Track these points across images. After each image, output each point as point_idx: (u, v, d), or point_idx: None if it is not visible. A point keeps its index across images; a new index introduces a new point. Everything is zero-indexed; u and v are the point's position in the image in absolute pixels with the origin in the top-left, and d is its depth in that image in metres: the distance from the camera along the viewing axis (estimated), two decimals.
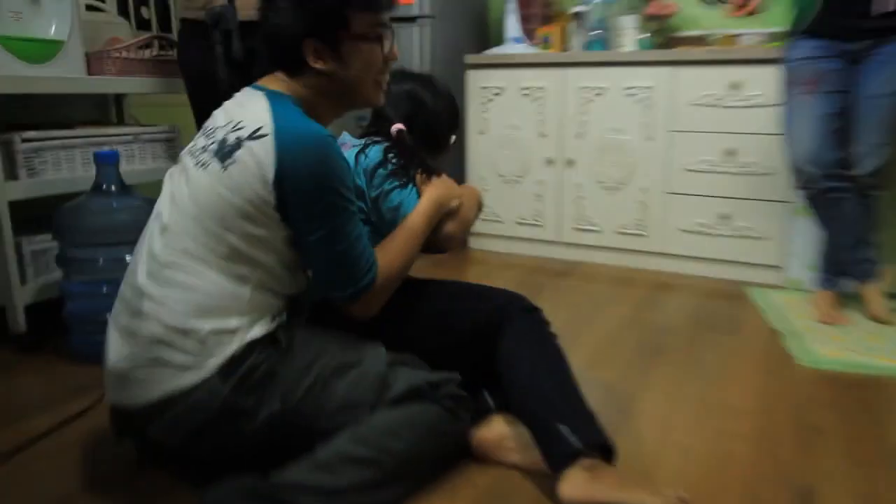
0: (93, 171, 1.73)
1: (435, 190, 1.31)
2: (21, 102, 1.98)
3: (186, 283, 1.05)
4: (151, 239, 1.11)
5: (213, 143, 1.10)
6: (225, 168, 1.05)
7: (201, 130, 1.19)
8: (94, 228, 1.65)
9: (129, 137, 2.05)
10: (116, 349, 1.09)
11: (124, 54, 2.04)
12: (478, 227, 2.94)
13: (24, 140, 1.77)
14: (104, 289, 1.65)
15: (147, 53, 2.12)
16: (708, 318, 2.11)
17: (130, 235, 1.65)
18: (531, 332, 1.27)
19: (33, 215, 1.86)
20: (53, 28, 1.85)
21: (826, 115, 1.96)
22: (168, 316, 1.04)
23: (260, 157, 1.03)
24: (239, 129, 1.08)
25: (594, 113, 2.65)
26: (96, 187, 1.69)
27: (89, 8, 2.18)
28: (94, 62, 1.98)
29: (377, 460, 1.05)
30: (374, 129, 1.40)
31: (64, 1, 1.86)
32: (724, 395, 1.56)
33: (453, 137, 1.48)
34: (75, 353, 1.72)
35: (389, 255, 1.20)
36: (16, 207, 1.74)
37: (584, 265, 2.73)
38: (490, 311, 1.28)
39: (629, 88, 2.57)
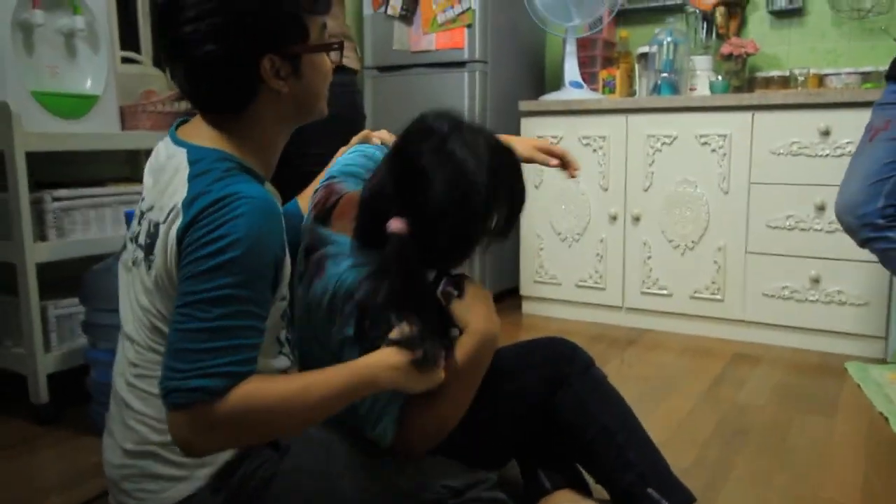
0: (123, 230, 1.82)
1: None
2: (50, 159, 2.07)
3: (157, 393, 1.00)
4: (123, 347, 1.08)
5: (141, 232, 1.03)
6: (150, 266, 0.99)
7: (137, 216, 1.09)
8: None
9: None
10: (109, 457, 1.09)
11: (159, 108, 2.16)
12: (530, 289, 2.96)
13: (55, 199, 1.87)
14: None
15: (181, 106, 2.25)
16: (798, 396, 2.06)
17: None
18: (594, 391, 1.27)
19: (60, 277, 1.95)
20: (89, 82, 1.99)
21: (882, 164, 1.97)
22: (151, 430, 1.02)
23: (172, 239, 0.95)
24: (160, 210, 0.99)
25: (663, 163, 2.66)
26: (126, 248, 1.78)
27: (125, 60, 2.34)
28: (127, 116, 2.11)
29: None
30: (365, 225, 1.13)
31: (101, 54, 2.00)
32: (821, 489, 1.51)
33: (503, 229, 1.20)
34: (97, 424, 1.76)
35: (281, 389, 0.97)
36: (43, 269, 1.83)
37: (651, 333, 2.70)
38: (542, 379, 1.26)
39: (702, 136, 2.58)
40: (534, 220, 2.94)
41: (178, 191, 0.97)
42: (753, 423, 1.85)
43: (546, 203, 2.90)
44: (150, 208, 1.02)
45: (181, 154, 1.02)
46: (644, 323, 2.77)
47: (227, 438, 0.96)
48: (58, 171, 2.14)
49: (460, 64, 2.92)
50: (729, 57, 2.79)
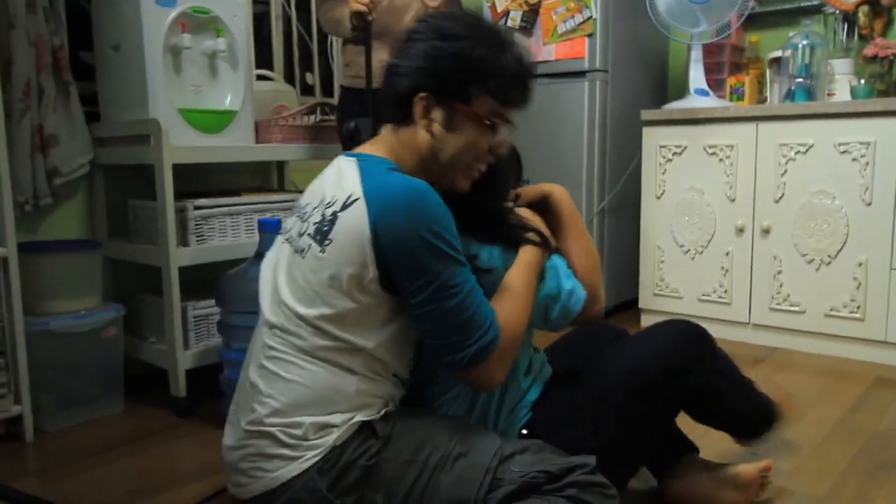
0: (256, 237, 1.93)
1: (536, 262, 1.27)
2: (190, 170, 2.21)
3: (291, 378, 1.10)
4: (260, 335, 1.18)
5: (307, 226, 1.14)
6: (324, 250, 1.09)
7: (295, 212, 1.24)
8: (255, 296, 1.81)
9: (291, 203, 2.26)
10: (227, 443, 1.18)
11: (290, 122, 2.28)
12: (650, 302, 2.89)
13: (196, 207, 2.00)
14: None
15: (310, 120, 2.37)
16: None
17: None
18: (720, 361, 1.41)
19: (198, 280, 2.09)
20: (228, 99, 2.12)
21: None
22: (272, 410, 1.10)
23: (356, 225, 1.06)
24: (332, 204, 1.11)
25: (796, 173, 2.55)
26: (258, 254, 1.85)
27: (259, 77, 2.48)
28: (261, 130, 2.23)
29: None
30: None
31: (239, 72, 2.14)
32: None
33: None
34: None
35: (507, 307, 1.17)
36: (183, 272, 1.96)
37: (781, 352, 2.58)
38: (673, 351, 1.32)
39: (842, 144, 2.45)
40: (655, 231, 2.88)
41: (351, 183, 1.11)
42: None
43: (668, 214, 2.84)
44: (320, 204, 1.14)
45: (351, 159, 1.17)
46: (773, 341, 2.65)
47: (511, 357, 1.18)
48: (196, 181, 2.29)
49: (581, 73, 2.91)
50: (873, 59, 2.64)
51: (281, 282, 1.16)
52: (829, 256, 2.50)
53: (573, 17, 2.91)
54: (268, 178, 2.64)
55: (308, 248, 1.12)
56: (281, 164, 2.63)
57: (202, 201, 2.03)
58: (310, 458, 1.08)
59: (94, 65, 2.17)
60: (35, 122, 2.01)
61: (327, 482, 1.07)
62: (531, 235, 1.25)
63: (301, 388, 1.10)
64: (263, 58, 2.76)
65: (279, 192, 2.47)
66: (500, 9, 3.10)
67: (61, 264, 1.96)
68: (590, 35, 2.87)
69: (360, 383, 1.11)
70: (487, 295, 1.15)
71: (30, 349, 1.83)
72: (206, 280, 2.06)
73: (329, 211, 1.11)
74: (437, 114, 1.15)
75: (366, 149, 1.23)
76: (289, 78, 2.84)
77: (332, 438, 1.08)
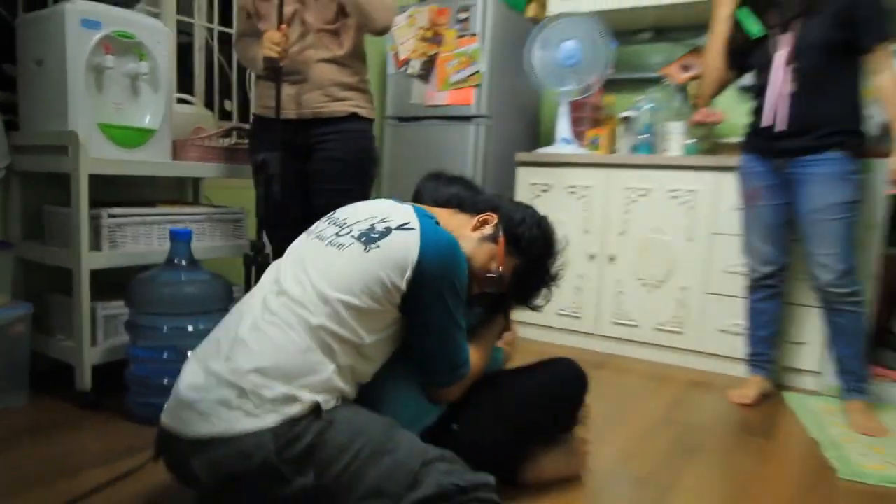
0: (167, 245, 1.85)
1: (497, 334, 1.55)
2: (109, 181, 2.11)
3: (282, 343, 1.11)
4: (268, 294, 1.19)
5: (351, 230, 1.23)
6: (367, 250, 1.17)
7: (326, 219, 1.34)
8: (163, 299, 1.74)
9: (203, 217, 2.18)
10: (191, 381, 1.14)
11: (206, 143, 2.20)
12: (518, 315, 2.96)
13: (111, 216, 1.90)
14: (165, 355, 1.73)
15: (226, 142, 2.30)
16: (743, 420, 2.05)
17: (194, 307, 1.76)
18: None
19: (109, 282, 1.97)
20: (148, 118, 2.02)
21: (767, 226, 2.13)
22: (255, 368, 1.09)
23: (406, 245, 1.17)
24: (388, 221, 1.22)
25: (637, 212, 2.68)
26: (169, 261, 1.79)
27: (180, 101, 2.39)
28: (179, 148, 2.14)
29: None
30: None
31: (159, 94, 2.05)
32: (757, 502, 1.51)
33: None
34: (132, 413, 1.78)
35: (477, 353, 1.37)
36: (95, 275, 1.85)
37: (619, 358, 2.70)
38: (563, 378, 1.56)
39: (673, 191, 2.61)
40: None
41: (409, 216, 1.23)
42: (703, 443, 1.85)
43: None
44: (367, 219, 1.25)
45: (406, 204, 1.31)
46: (613, 349, 2.77)
47: (466, 388, 1.35)
48: (117, 192, 2.18)
49: (467, 118, 2.96)
50: (699, 124, 2.81)
51: (310, 265, 1.20)
52: (659, 281, 2.64)
53: (464, 69, 2.97)
54: (184, 192, 2.54)
55: (349, 246, 1.19)
56: (196, 181, 2.54)
57: (116, 210, 1.92)
58: (269, 421, 1.06)
59: (17, 77, 2.02)
60: None
61: (276, 446, 1.05)
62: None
63: (286, 355, 1.10)
64: (186, 84, 2.66)
65: (193, 205, 2.37)
66: (402, 57, 3.12)
67: None
68: (477, 86, 2.93)
69: (332, 374, 1.13)
70: None
71: None
72: (117, 282, 1.94)
73: (382, 225, 1.21)
74: (492, 239, 1.35)
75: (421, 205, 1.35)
76: (208, 103, 2.74)
77: (294, 410, 1.08)
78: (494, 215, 1.36)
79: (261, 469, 1.05)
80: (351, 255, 1.18)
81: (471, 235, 1.34)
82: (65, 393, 1.90)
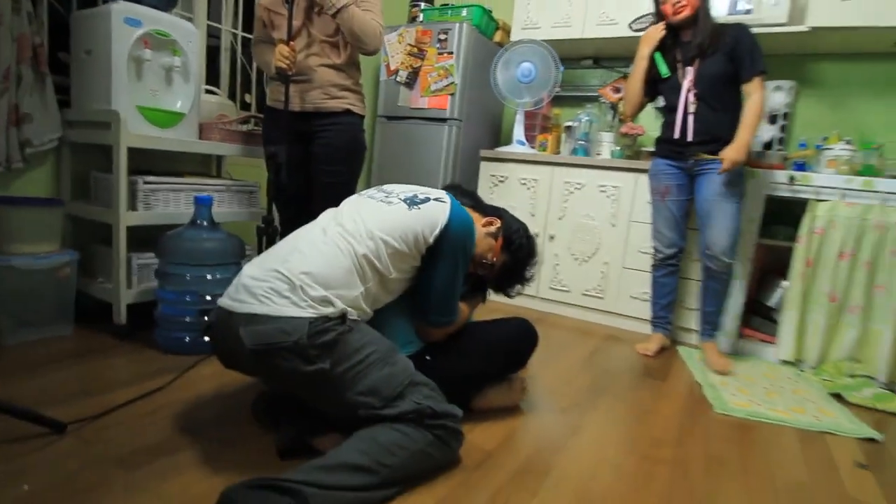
0: (192, 208, 1.80)
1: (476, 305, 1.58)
2: (146, 155, 2.06)
3: (330, 259, 1.15)
4: (327, 225, 1.24)
5: (396, 196, 1.30)
6: (410, 209, 1.25)
7: (375, 189, 1.38)
8: (187, 252, 1.70)
9: (223, 187, 2.12)
10: (252, 272, 1.16)
11: (228, 127, 2.14)
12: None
13: (146, 182, 1.84)
14: (188, 297, 1.70)
15: (244, 127, 2.23)
16: (645, 366, 2.09)
17: (213, 259, 1.72)
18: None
19: (143, 237, 1.93)
20: (179, 104, 1.96)
21: (673, 216, 2.19)
22: (306, 270, 1.12)
23: (439, 212, 1.25)
24: (428, 193, 1.31)
25: (573, 202, 2.69)
26: (192, 221, 1.75)
27: (207, 91, 2.31)
28: (204, 130, 2.08)
29: (372, 469, 1.03)
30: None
31: (189, 84, 1.97)
32: (651, 427, 1.54)
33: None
34: (159, 344, 1.75)
35: (462, 313, 1.42)
36: (132, 231, 1.81)
37: (554, 316, 2.73)
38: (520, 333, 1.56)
39: (602, 186, 2.62)
40: None
41: (443, 195, 1.32)
42: (613, 382, 1.88)
43: None
44: (411, 191, 1.33)
45: (445, 193, 1.35)
46: (550, 308, 2.79)
47: (450, 333, 1.40)
48: (152, 163, 2.12)
49: (443, 120, 2.93)
50: (625, 135, 2.83)
51: (364, 210, 1.25)
52: (588, 257, 2.67)
53: (442, 80, 2.92)
54: (209, 167, 2.47)
55: (396, 204, 1.27)
56: (219, 158, 2.46)
57: (150, 178, 1.86)
58: (308, 312, 1.09)
59: (70, 63, 1.93)
60: (12, 102, 1.76)
61: (309, 332, 1.06)
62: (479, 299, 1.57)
63: (332, 268, 1.14)
64: (214, 78, 2.56)
65: (215, 177, 2.31)
66: (392, 67, 3.06)
67: (25, 215, 1.73)
68: (452, 94, 2.90)
69: (359, 294, 1.17)
70: None
71: None
72: (149, 237, 1.89)
73: (423, 195, 1.30)
74: (493, 237, 1.42)
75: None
76: (231, 95, 2.65)
77: (328, 310, 1.10)
78: (499, 220, 1.44)
79: (293, 346, 1.06)
80: (398, 210, 1.25)
81: (480, 228, 1.40)
82: (104, 326, 1.86)
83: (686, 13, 1.99)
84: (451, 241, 1.25)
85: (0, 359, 1.58)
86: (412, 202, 1.27)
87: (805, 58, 2.62)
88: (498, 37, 3.18)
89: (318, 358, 1.07)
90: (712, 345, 2.16)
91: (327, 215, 1.31)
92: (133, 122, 1.80)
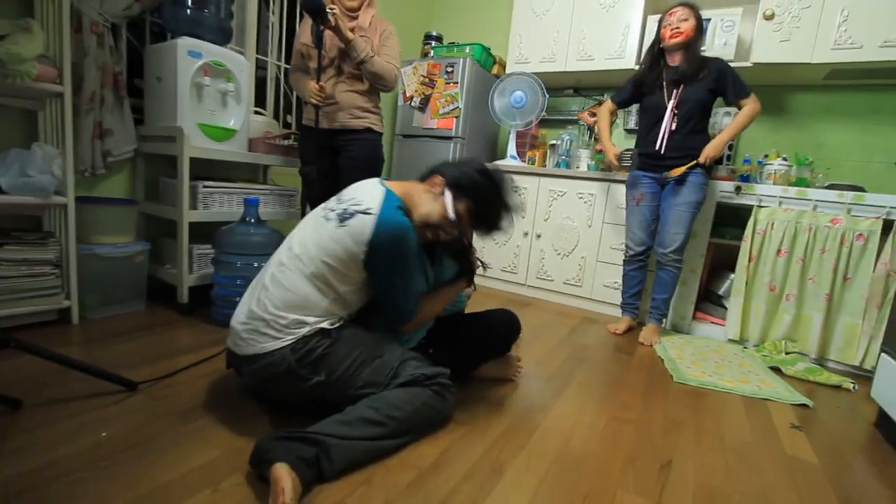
0: (242, 208, 1.79)
1: (459, 290, 1.32)
2: (205, 164, 2.05)
3: (289, 287, 1.05)
4: (280, 256, 1.12)
5: (338, 209, 1.10)
6: (339, 226, 1.06)
7: (335, 198, 1.17)
8: (238, 243, 1.69)
9: (267, 191, 2.10)
10: (238, 318, 1.10)
11: (272, 142, 2.12)
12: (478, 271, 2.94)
13: (205, 186, 1.82)
14: (238, 281, 1.68)
15: (285, 142, 2.21)
16: (615, 343, 2.06)
17: (259, 250, 1.70)
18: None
19: (202, 231, 1.91)
20: (232, 122, 1.94)
21: (645, 220, 2.13)
22: (271, 305, 1.05)
23: (364, 228, 1.04)
24: (358, 205, 1.08)
25: (556, 207, 2.66)
26: (242, 219, 1.73)
27: (255, 112, 2.29)
28: (253, 144, 2.06)
29: (383, 422, 1.01)
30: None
31: (241, 106, 1.95)
32: (620, 393, 1.52)
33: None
34: (214, 319, 1.75)
35: (431, 302, 1.22)
36: (192, 226, 1.79)
37: (539, 301, 2.70)
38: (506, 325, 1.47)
39: (580, 193, 2.58)
40: None
41: (375, 203, 1.06)
42: (588, 356, 1.86)
43: None
44: (350, 200, 1.10)
45: (382, 188, 1.11)
46: (536, 295, 2.76)
47: (414, 328, 1.20)
48: (209, 171, 2.10)
49: (449, 137, 2.90)
50: (599, 152, 2.80)
51: (308, 231, 1.11)
52: (568, 252, 2.63)
53: (449, 105, 2.89)
54: (256, 174, 2.45)
55: (331, 221, 1.09)
56: (265, 167, 2.44)
57: (208, 182, 1.84)
58: (288, 340, 1.02)
59: (143, 88, 1.91)
60: (96, 119, 1.75)
61: (296, 357, 1.02)
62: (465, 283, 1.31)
63: (293, 295, 1.05)
64: (261, 102, 2.54)
65: (261, 183, 2.29)
66: (408, 94, 3.03)
67: (107, 212, 1.72)
68: (457, 117, 2.86)
69: (329, 304, 1.07)
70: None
71: (81, 265, 1.61)
72: (206, 232, 1.88)
73: (353, 208, 1.08)
74: (452, 194, 1.13)
75: (394, 186, 1.15)
76: (275, 116, 2.63)
77: (303, 331, 1.03)
78: (438, 177, 1.17)
79: (286, 373, 1.03)
80: (330, 228, 1.08)
81: (426, 197, 1.15)
82: (170, 304, 1.85)
83: (679, 39, 1.93)
84: (383, 250, 1.05)
85: (86, 330, 1.58)
86: (343, 217, 1.08)
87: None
88: (495, 69, 3.14)
89: (312, 373, 1.03)
90: (653, 325, 2.13)
91: (284, 243, 1.16)
92: (194, 136, 1.79)
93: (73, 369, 1.15)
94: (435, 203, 1.14)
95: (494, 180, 1.17)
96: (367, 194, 1.10)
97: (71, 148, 1.54)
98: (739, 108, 1.96)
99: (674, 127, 1.98)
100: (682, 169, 1.97)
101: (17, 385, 1.16)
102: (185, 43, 1.73)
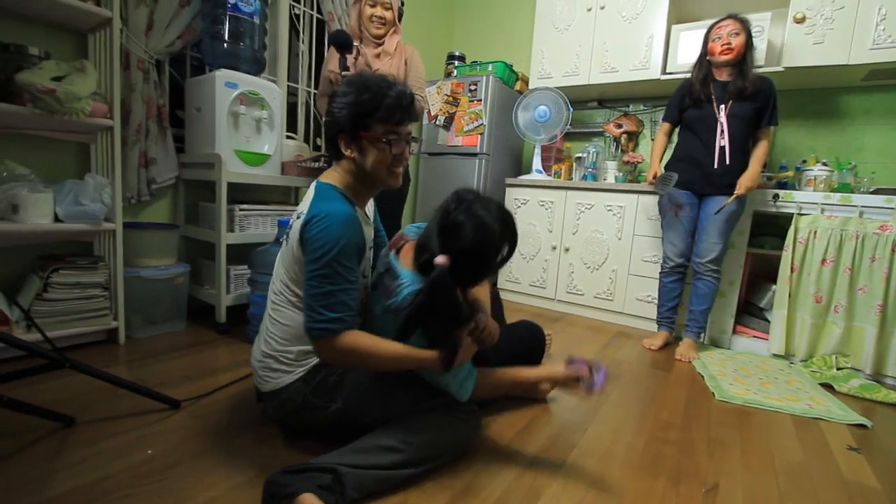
0: (275, 230, 1.84)
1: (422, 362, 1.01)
2: (241, 188, 2.13)
3: (283, 321, 1.03)
4: (272, 288, 1.08)
5: (289, 226, 1.04)
6: (286, 243, 1.02)
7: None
8: (272, 263, 1.70)
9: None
10: (254, 354, 1.11)
11: (303, 164, 2.18)
12: (504, 285, 2.93)
13: (241, 209, 1.89)
14: None
15: (316, 164, 2.27)
16: (651, 359, 1.99)
17: None
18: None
19: (238, 253, 1.98)
20: (266, 147, 2.01)
21: (685, 230, 2.06)
22: (275, 342, 1.04)
23: (296, 230, 0.98)
24: (297, 212, 1.02)
25: (585, 219, 2.62)
26: (276, 240, 1.77)
27: (288, 137, 2.37)
28: (285, 167, 2.12)
29: (399, 448, 0.96)
30: (422, 256, 1.00)
31: (274, 132, 2.03)
32: (659, 412, 1.47)
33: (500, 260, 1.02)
34: (250, 338, 1.78)
35: (374, 345, 0.96)
36: (230, 248, 1.86)
37: (570, 315, 2.65)
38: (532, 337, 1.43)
39: (608, 206, 2.54)
40: None
41: (306, 203, 1.00)
42: (624, 373, 1.80)
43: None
44: (297, 210, 1.04)
45: (314, 185, 1.05)
46: (567, 309, 2.71)
47: (337, 360, 0.98)
48: (245, 194, 2.17)
49: (474, 154, 2.91)
50: (627, 163, 2.76)
51: (277, 263, 1.08)
52: (598, 265, 2.59)
53: (473, 122, 2.92)
54: (289, 196, 2.53)
55: (283, 241, 1.05)
56: (297, 189, 2.52)
57: (244, 206, 1.91)
58: (298, 372, 1.02)
59: (185, 118, 2.02)
60: (142, 150, 1.85)
61: (310, 388, 1.01)
62: (444, 353, 0.98)
63: (290, 327, 1.02)
64: (293, 126, 2.64)
65: (293, 205, 2.35)
66: (433, 113, 3.08)
67: (150, 237, 1.80)
68: (481, 134, 2.88)
69: None
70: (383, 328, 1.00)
71: (127, 287, 1.68)
72: (243, 253, 1.94)
73: (293, 221, 1.02)
74: (352, 144, 1.01)
75: (325, 176, 1.06)
76: (306, 140, 2.72)
77: (313, 361, 1.02)
78: (341, 134, 1.02)
79: (303, 405, 1.03)
80: (283, 249, 1.04)
81: (351, 167, 1.03)
82: (208, 323, 1.91)
83: (730, 56, 1.89)
84: (312, 252, 0.93)
85: (131, 349, 1.64)
86: (286, 234, 1.02)
87: (782, 93, 2.49)
88: (518, 86, 3.16)
89: (330, 402, 1.01)
90: (690, 341, 2.05)
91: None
92: (231, 162, 1.86)
93: (122, 388, 1.20)
94: (368, 155, 1.01)
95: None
96: (305, 199, 1.03)
97: (119, 177, 1.64)
98: (758, 138, 1.94)
99: (724, 143, 1.93)
100: (729, 201, 1.93)
101: (71, 403, 1.22)
102: (222, 75, 1.82)
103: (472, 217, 0.94)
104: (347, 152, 1.02)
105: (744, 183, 1.90)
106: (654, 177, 2.15)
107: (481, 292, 1.13)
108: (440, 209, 0.98)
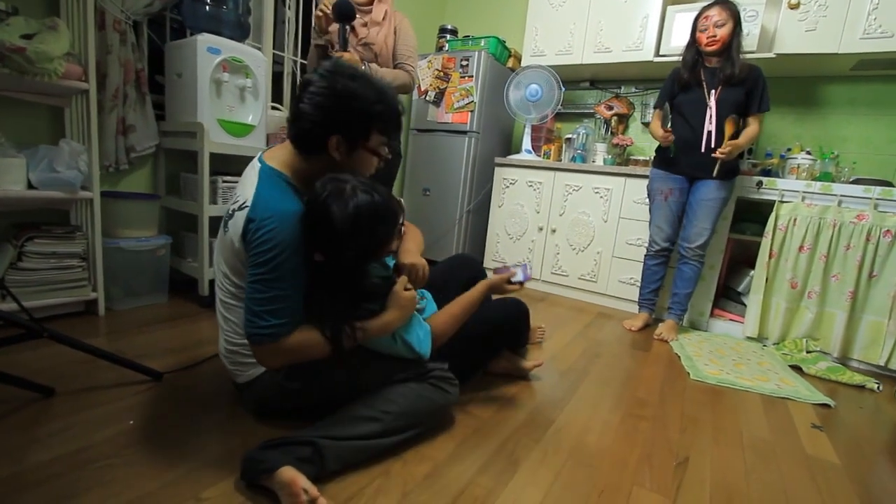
0: None
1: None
2: (224, 159, 2.05)
3: (232, 317, 1.00)
4: (216, 277, 1.03)
5: (227, 212, 0.96)
6: (225, 232, 0.95)
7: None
8: None
9: None
10: (220, 347, 1.08)
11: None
12: (489, 264, 2.94)
13: (224, 181, 1.85)
14: None
15: None
16: (631, 339, 2.04)
17: None
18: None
19: (219, 225, 1.94)
20: (250, 117, 1.95)
21: (673, 214, 2.08)
22: (233, 338, 1.02)
23: (238, 224, 0.91)
24: (235, 202, 0.95)
25: (572, 201, 2.63)
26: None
27: (273, 107, 2.31)
28: (270, 139, 2.08)
29: (377, 417, 0.96)
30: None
31: (259, 102, 1.97)
32: (636, 390, 1.51)
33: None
34: None
35: (313, 336, 0.94)
36: (213, 220, 1.82)
37: (554, 296, 2.68)
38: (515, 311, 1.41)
39: (596, 188, 2.55)
40: (496, 226, 2.90)
41: (249, 192, 0.91)
42: (603, 351, 1.84)
43: (504, 217, 2.87)
44: (234, 198, 0.96)
45: (257, 167, 0.96)
46: (551, 290, 2.75)
47: (280, 362, 0.96)
48: (228, 165, 2.11)
49: (464, 132, 2.88)
50: (616, 146, 2.76)
51: (217, 245, 1.02)
52: (583, 247, 2.61)
53: (464, 99, 2.87)
54: None
55: (221, 229, 0.99)
56: None
57: (227, 177, 1.86)
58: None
59: (164, 84, 1.94)
60: (120, 116, 1.78)
61: (281, 374, 0.99)
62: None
63: (238, 324, 0.99)
64: (278, 97, 2.56)
65: None
66: (422, 88, 3.02)
67: (130, 207, 1.76)
68: (472, 111, 2.84)
69: None
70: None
71: (106, 258, 1.65)
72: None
73: (233, 207, 0.94)
74: (344, 147, 0.95)
75: (272, 157, 0.97)
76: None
77: None
78: (335, 135, 0.96)
79: (280, 392, 1.02)
80: (222, 238, 0.97)
81: (325, 164, 0.97)
82: (191, 296, 1.89)
83: (716, 47, 1.90)
84: (254, 245, 0.88)
85: (112, 321, 1.62)
86: (225, 221, 0.96)
87: (771, 80, 2.50)
88: (510, 63, 3.11)
89: (304, 384, 1.00)
90: (672, 322, 2.11)
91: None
92: (214, 132, 1.81)
93: (102, 359, 1.18)
94: (358, 159, 0.98)
95: (370, 83, 0.93)
96: (247, 183, 0.94)
97: (96, 144, 1.58)
98: (747, 123, 1.94)
99: (712, 126, 1.94)
100: (720, 157, 1.90)
101: (50, 373, 1.20)
102: (204, 39, 1.75)
103: (326, 210, 0.89)
104: (336, 153, 0.94)
105: (728, 143, 1.86)
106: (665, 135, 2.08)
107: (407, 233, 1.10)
108: (306, 206, 0.92)
